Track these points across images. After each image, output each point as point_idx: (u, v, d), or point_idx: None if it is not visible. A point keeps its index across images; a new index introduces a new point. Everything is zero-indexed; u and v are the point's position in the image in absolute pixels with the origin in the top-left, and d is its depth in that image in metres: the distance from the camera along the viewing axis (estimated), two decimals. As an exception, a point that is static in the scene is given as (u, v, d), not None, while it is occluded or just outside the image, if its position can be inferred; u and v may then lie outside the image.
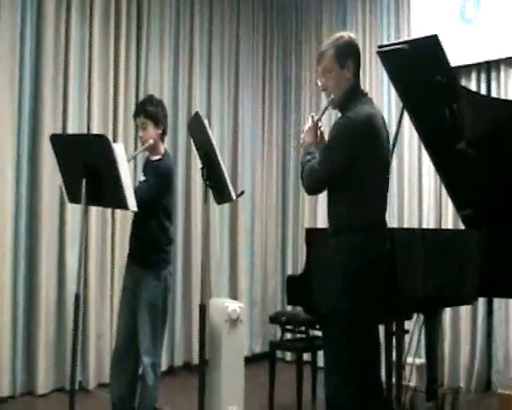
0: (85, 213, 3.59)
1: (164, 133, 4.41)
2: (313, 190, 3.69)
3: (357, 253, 3.35)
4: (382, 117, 3.56)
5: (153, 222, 4.24)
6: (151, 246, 4.25)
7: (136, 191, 4.00)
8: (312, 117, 3.63)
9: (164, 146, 4.43)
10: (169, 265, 4.34)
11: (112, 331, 5.88)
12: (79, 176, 3.45)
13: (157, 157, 4.36)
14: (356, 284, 3.31)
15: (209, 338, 5.19)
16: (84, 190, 3.44)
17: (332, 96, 3.50)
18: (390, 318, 3.90)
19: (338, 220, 3.47)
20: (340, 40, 3.51)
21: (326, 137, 3.59)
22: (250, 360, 6.59)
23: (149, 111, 4.31)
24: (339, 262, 3.40)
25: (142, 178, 4.38)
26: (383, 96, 6.95)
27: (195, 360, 6.53)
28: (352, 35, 3.60)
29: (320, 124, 3.63)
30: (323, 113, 3.65)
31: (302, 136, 3.62)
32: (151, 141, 4.28)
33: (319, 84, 3.59)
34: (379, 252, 3.39)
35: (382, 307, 3.41)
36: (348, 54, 3.48)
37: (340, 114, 3.54)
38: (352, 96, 3.48)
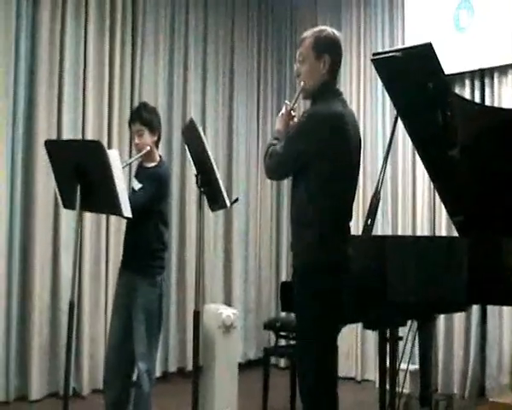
0: (80, 220, 3.59)
1: (158, 140, 4.42)
2: (273, 174, 3.57)
3: (318, 252, 3.29)
4: (355, 120, 3.51)
5: (148, 228, 4.24)
6: (146, 252, 4.25)
7: (133, 198, 4.01)
8: (287, 105, 3.56)
9: (158, 153, 4.44)
10: (163, 270, 4.34)
11: (106, 338, 5.86)
12: (74, 182, 3.44)
13: (153, 164, 4.37)
14: (315, 286, 3.26)
15: (203, 344, 5.19)
16: (78, 196, 3.44)
17: (302, 84, 3.44)
18: (383, 324, 3.91)
19: (298, 213, 3.40)
20: (323, 32, 3.45)
21: None
22: (244, 367, 6.60)
23: (145, 118, 4.32)
24: (301, 261, 3.37)
25: (136, 184, 4.37)
26: (377, 101, 6.99)
27: (189, 366, 6.53)
28: (338, 33, 3.52)
29: (294, 113, 3.55)
30: (296, 100, 3.55)
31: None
32: (148, 148, 4.29)
33: (295, 68, 3.55)
34: (340, 253, 3.31)
35: (346, 307, 3.35)
36: (326, 48, 3.41)
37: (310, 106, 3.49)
38: (324, 90, 3.41)
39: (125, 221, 4.41)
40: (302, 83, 3.44)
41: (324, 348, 3.32)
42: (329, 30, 3.49)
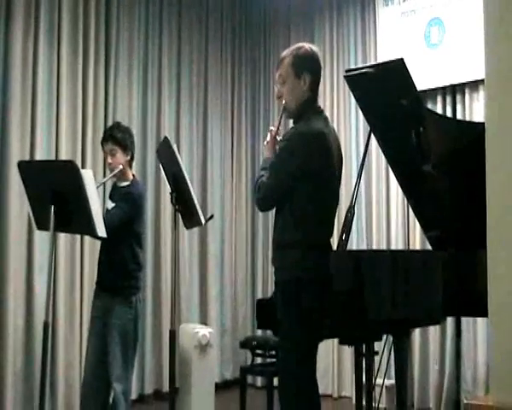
0: (54, 240, 3.56)
1: (131, 159, 4.41)
2: (263, 206, 3.55)
3: (300, 268, 3.31)
4: (337, 138, 3.55)
5: (123, 248, 4.23)
6: (121, 272, 4.24)
7: (106, 217, 3.99)
8: (271, 131, 3.58)
9: (132, 172, 4.44)
10: (139, 291, 4.32)
11: (81, 360, 5.79)
12: (47, 202, 3.42)
13: (126, 183, 4.36)
14: (296, 301, 3.29)
15: (179, 364, 5.16)
16: (52, 216, 3.41)
17: (284, 103, 3.45)
18: (359, 339, 3.91)
19: (283, 235, 3.42)
20: (300, 50, 3.48)
21: None
22: (221, 387, 6.57)
23: (118, 137, 4.32)
24: (283, 277, 3.39)
25: (110, 204, 4.36)
26: (351, 118, 7.05)
27: (166, 387, 6.45)
28: (315, 48, 3.56)
29: (279, 137, 3.56)
30: (279, 123, 3.60)
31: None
32: (120, 167, 4.29)
33: (275, 90, 3.56)
34: (321, 270, 3.34)
35: (324, 325, 3.40)
36: (305, 65, 3.45)
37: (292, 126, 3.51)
38: (306, 109, 3.44)
39: (99, 242, 4.39)
40: (284, 102, 3.45)
41: (304, 360, 3.33)
42: (307, 46, 3.52)
